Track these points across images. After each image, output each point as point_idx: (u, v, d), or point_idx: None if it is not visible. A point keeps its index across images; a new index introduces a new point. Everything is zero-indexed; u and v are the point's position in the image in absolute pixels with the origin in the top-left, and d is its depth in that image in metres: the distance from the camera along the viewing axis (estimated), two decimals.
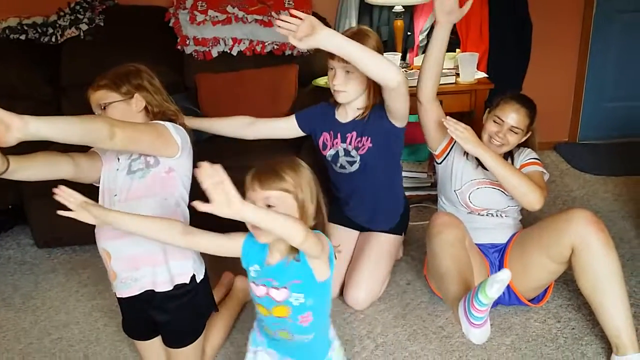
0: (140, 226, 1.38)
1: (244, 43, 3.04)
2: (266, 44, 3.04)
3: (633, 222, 2.65)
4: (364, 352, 1.97)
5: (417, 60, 3.02)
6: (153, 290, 1.67)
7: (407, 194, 2.48)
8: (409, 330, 2.06)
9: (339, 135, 2.12)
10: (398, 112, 2.00)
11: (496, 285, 1.45)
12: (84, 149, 1.60)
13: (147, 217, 1.40)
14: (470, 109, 2.73)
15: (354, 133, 2.09)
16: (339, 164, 2.16)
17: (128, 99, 1.69)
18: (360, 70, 1.80)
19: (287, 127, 2.21)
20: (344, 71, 1.97)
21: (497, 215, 2.14)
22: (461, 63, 2.70)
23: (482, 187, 2.11)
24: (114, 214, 1.38)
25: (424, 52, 3.15)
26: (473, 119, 2.73)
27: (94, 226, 1.67)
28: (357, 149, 2.09)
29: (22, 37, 3.11)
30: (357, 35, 2.02)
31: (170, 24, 3.07)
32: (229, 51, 3.06)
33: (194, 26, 3.03)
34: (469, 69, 2.70)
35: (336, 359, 1.50)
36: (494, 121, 2.04)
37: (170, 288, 1.69)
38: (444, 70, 2.79)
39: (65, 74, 3.07)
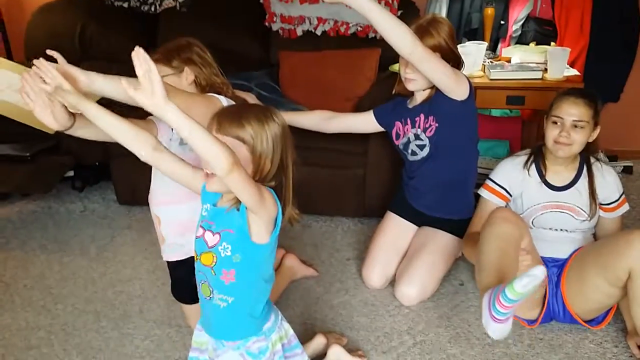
0: (114, 126, 1.24)
1: (328, 23, 3.04)
2: (350, 25, 3.02)
3: None
4: (401, 347, 1.95)
5: (506, 52, 2.87)
6: None
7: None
8: (452, 333, 2.01)
9: (408, 121, 2.14)
10: (439, 83, 1.95)
11: (526, 279, 1.38)
12: (143, 116, 1.68)
13: (121, 120, 1.26)
14: None
15: (422, 115, 2.10)
16: (410, 151, 2.16)
17: (179, 72, 1.75)
18: (379, 32, 1.78)
19: (366, 122, 2.27)
20: None
21: (562, 230, 2.00)
22: (550, 58, 2.53)
23: (547, 212, 1.98)
24: (89, 105, 1.23)
25: (516, 42, 3.01)
26: None
27: None
28: (425, 130, 2.09)
29: (125, 4, 3.31)
30: (431, 24, 2.00)
31: (261, 0, 3.13)
32: (313, 30, 3.08)
33: (282, 4, 3.07)
34: (559, 65, 2.53)
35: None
36: (554, 122, 1.90)
37: None
38: (530, 64, 2.65)
39: (161, 43, 3.23)
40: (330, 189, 2.66)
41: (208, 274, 1.34)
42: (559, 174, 2.00)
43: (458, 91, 1.99)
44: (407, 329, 2.04)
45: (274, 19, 3.09)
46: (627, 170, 3.10)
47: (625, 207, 2.05)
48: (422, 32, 1.96)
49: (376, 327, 2.05)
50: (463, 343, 1.96)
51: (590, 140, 1.94)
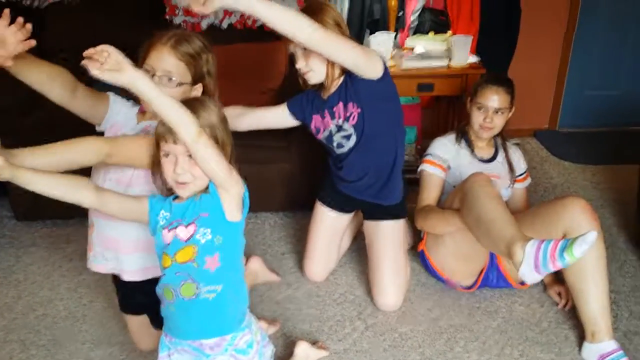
0: (48, 185, 1.23)
1: (234, 16, 2.98)
2: None
3: (611, 210, 2.73)
4: (355, 333, 1.99)
5: (408, 42, 3.01)
6: None
7: None
8: (399, 312, 2.09)
9: (326, 114, 2.00)
10: (349, 65, 1.82)
11: (585, 246, 1.45)
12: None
13: (54, 175, 1.26)
14: (462, 93, 2.73)
15: (340, 104, 1.96)
16: (335, 144, 2.03)
17: (193, 85, 1.55)
18: (272, 27, 1.65)
19: (279, 116, 2.11)
20: (301, 50, 1.87)
21: None
22: (455, 46, 2.69)
23: None
24: (22, 174, 1.19)
25: (415, 32, 3.16)
26: (464, 103, 2.74)
27: None
28: (347, 119, 1.96)
29: None
30: (315, 10, 1.86)
31: None
32: (219, 24, 2.99)
33: None
34: (462, 53, 2.69)
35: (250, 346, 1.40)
36: (478, 109, 2.15)
37: (140, 279, 1.66)
38: (436, 53, 2.80)
39: (50, 39, 2.96)
40: (255, 185, 2.59)
41: (190, 269, 1.29)
42: (482, 149, 2.25)
43: (372, 69, 1.87)
44: (357, 315, 2.08)
45: (176, 12, 2.95)
46: None
47: (529, 179, 2.35)
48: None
49: (327, 317, 2.07)
50: (410, 320, 2.05)
51: (508, 117, 2.21)
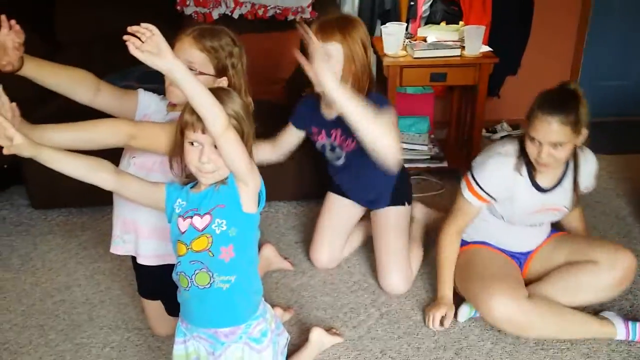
0: (69, 165, 1.24)
1: (245, 6, 2.98)
2: (269, 8, 2.99)
3: (627, 199, 2.72)
4: (370, 320, 2.00)
5: (420, 32, 3.00)
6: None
7: (406, 166, 2.38)
8: (412, 300, 2.10)
9: (323, 132, 2.04)
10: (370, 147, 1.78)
11: None
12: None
13: (76, 155, 1.26)
14: (475, 83, 2.72)
15: (339, 130, 1.98)
16: (327, 156, 2.12)
17: (217, 77, 1.56)
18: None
19: (292, 136, 2.12)
20: None
21: (540, 225, 2.00)
22: (467, 36, 2.68)
23: (534, 215, 1.93)
24: (44, 151, 1.21)
25: (426, 23, 3.15)
26: (477, 93, 2.73)
27: (91, 187, 1.49)
28: (341, 147, 2.03)
29: None
30: (343, 20, 1.86)
31: None
32: (230, 14, 3.00)
33: None
34: (475, 42, 2.68)
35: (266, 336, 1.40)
36: (531, 140, 1.73)
37: (155, 264, 1.68)
38: (449, 43, 2.80)
39: (60, 30, 2.98)
40: (269, 174, 2.59)
41: (205, 258, 1.30)
42: (546, 175, 1.83)
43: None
44: (371, 302, 2.09)
45: (187, 3, 2.97)
46: None
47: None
48: (331, 32, 1.81)
49: (342, 304, 2.08)
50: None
51: (579, 145, 1.76)
